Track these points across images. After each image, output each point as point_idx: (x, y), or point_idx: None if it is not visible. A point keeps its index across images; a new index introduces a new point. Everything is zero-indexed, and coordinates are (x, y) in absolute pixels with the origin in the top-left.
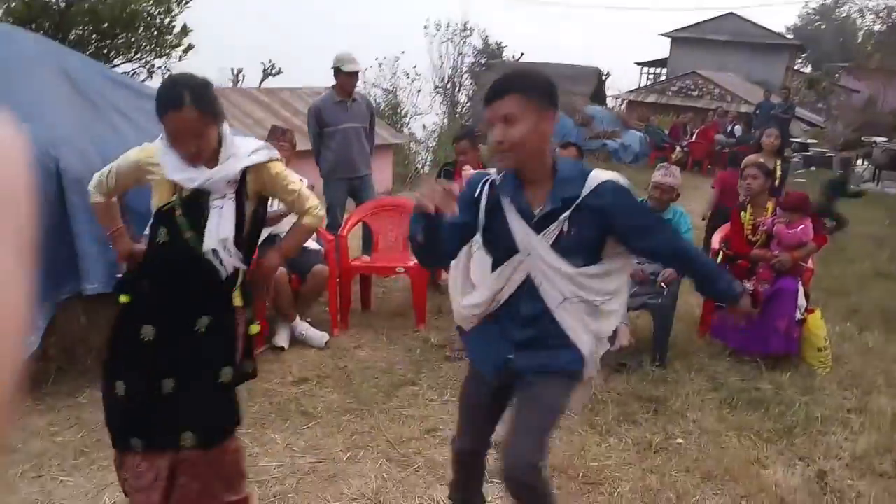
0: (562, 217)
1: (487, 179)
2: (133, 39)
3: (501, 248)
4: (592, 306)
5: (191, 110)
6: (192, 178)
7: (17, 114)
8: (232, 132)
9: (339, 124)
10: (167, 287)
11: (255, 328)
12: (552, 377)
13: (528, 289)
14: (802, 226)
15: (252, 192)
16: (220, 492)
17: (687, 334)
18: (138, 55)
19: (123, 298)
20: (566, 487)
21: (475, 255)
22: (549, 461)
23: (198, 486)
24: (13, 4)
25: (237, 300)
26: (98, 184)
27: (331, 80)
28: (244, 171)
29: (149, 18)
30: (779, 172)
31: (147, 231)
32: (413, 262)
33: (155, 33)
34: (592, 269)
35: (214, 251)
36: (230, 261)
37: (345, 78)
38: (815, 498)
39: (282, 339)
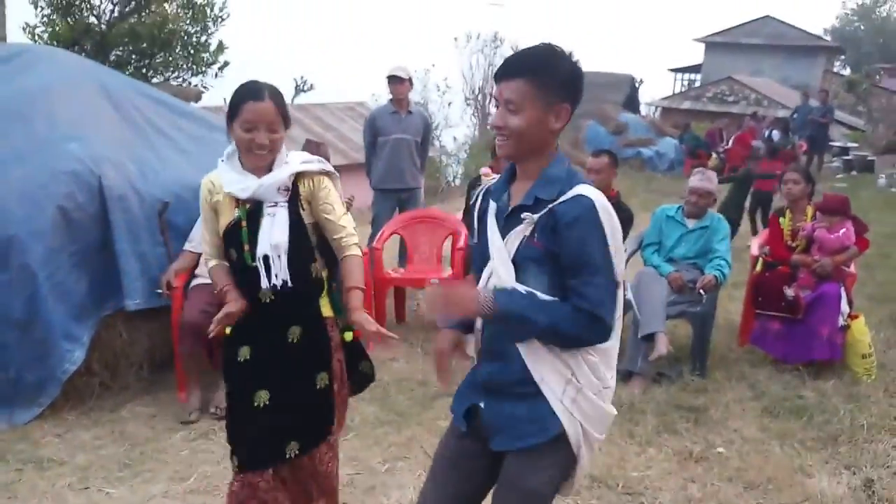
0: (527, 217)
1: (484, 188)
2: (171, 58)
3: (484, 258)
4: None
5: (270, 104)
6: (245, 187)
7: (60, 133)
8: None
9: (391, 134)
10: (253, 305)
11: (348, 335)
12: (530, 455)
13: None
14: (844, 229)
15: (307, 203)
16: (321, 488)
17: (726, 342)
18: (175, 73)
19: (227, 331)
20: (606, 497)
21: None
22: None
23: (297, 489)
24: (58, 28)
25: (325, 310)
26: (207, 250)
27: (361, 96)
28: (296, 182)
29: (186, 37)
30: None
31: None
32: (447, 273)
33: (192, 52)
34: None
35: (266, 257)
36: (280, 271)
37: (391, 85)
38: None
39: None
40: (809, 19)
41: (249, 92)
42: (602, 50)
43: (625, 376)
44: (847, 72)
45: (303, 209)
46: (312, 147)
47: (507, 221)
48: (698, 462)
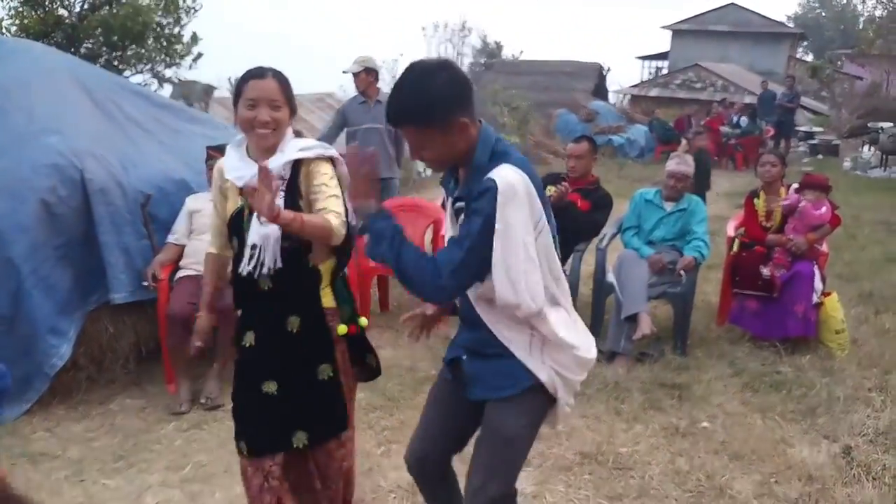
0: (460, 206)
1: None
2: (143, 50)
3: None
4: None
5: (272, 81)
6: (241, 176)
7: (39, 126)
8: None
9: (360, 124)
10: (254, 292)
11: (342, 329)
12: (508, 404)
13: None
14: (825, 206)
15: (306, 192)
16: (327, 486)
17: (705, 322)
18: (149, 66)
19: (237, 311)
20: (597, 473)
21: None
22: (514, 491)
23: (307, 482)
24: (26, 21)
25: (327, 300)
26: (211, 233)
27: (329, 87)
28: (296, 170)
29: (158, 29)
30: None
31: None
32: None
33: (164, 44)
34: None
35: (254, 246)
36: (268, 259)
37: (355, 79)
38: (842, 472)
39: None
40: (772, 6)
41: (253, 71)
42: (570, 38)
43: (609, 356)
44: (810, 58)
45: (301, 197)
46: None
47: (457, 209)
48: (685, 437)
